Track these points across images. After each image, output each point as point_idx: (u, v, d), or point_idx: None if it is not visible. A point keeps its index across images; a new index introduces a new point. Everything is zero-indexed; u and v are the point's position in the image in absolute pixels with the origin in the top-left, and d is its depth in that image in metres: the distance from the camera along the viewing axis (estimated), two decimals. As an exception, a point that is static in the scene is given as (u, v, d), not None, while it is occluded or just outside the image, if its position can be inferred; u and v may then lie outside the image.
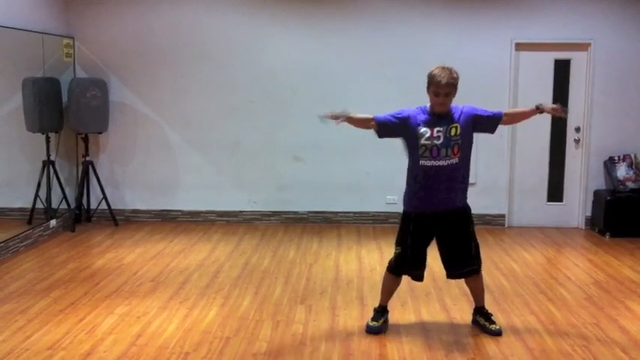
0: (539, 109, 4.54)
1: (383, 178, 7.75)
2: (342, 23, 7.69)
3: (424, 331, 4.62)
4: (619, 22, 7.58)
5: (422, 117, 4.46)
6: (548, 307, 5.12)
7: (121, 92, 7.82)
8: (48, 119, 7.12)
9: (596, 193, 7.67)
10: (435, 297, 5.33)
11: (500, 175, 7.82)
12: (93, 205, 7.89)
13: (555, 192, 7.89)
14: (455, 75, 4.40)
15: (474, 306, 4.78)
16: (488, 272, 6.00)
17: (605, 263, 6.38)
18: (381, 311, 4.69)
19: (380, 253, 6.62)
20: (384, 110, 4.63)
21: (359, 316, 4.91)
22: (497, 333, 4.56)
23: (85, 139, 7.66)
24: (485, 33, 7.66)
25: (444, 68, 4.39)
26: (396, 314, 4.92)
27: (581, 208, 7.82)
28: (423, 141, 4.40)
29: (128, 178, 7.98)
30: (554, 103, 7.61)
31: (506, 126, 5.10)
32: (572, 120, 7.77)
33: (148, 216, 8.00)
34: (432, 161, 4.39)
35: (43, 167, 7.16)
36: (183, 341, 4.39)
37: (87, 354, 4.18)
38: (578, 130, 7.77)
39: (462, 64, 7.57)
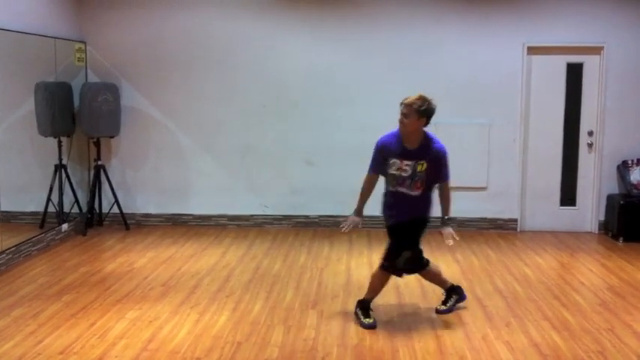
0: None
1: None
2: (354, 27, 7.68)
3: (436, 337, 4.59)
4: (632, 25, 7.52)
5: (394, 147, 4.73)
6: (562, 313, 5.07)
7: (132, 96, 7.84)
8: (60, 123, 7.15)
9: (610, 198, 7.61)
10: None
11: (512, 180, 7.77)
12: (104, 209, 7.91)
13: (568, 196, 7.83)
14: None
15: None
16: (501, 277, 5.97)
17: (619, 268, 6.32)
18: (368, 307, 4.91)
19: (391, 258, 6.59)
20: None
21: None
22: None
23: (97, 144, 7.68)
24: (497, 36, 7.63)
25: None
26: (409, 319, 4.90)
27: (595, 212, 7.76)
28: (392, 171, 4.74)
29: (139, 183, 8.00)
30: (566, 108, 7.68)
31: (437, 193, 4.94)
32: (585, 124, 7.73)
33: (159, 220, 8.01)
34: (398, 187, 4.76)
35: (55, 171, 7.18)
36: (194, 346, 4.39)
37: (98, 359, 4.17)
38: (591, 134, 7.72)
39: (474, 67, 7.72)
